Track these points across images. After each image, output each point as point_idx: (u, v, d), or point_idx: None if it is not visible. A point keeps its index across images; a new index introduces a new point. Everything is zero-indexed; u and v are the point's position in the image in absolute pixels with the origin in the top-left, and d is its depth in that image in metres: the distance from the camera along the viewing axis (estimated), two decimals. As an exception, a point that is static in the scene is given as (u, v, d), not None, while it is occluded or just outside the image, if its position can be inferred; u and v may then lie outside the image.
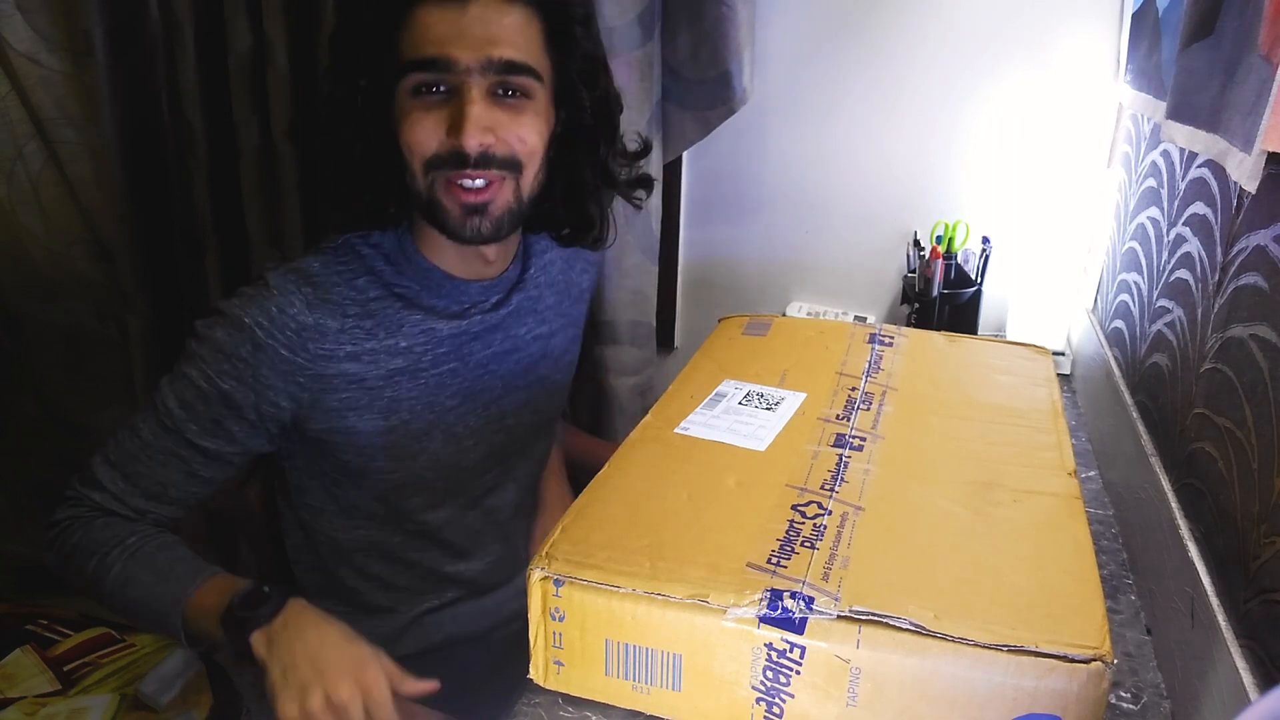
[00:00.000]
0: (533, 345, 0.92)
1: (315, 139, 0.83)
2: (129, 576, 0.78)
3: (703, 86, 1.27)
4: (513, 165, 0.78)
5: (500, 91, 0.76)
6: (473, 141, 0.74)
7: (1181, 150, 0.87)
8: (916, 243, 1.29)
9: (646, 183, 0.96)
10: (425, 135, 0.75)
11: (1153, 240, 0.94)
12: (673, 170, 1.41)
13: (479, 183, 0.77)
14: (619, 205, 0.95)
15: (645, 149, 0.94)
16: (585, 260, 1.01)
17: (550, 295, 0.94)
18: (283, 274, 0.79)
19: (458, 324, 0.86)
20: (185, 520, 0.85)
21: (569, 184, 0.86)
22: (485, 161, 0.75)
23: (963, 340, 0.94)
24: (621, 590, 0.54)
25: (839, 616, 0.51)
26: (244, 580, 0.77)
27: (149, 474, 0.80)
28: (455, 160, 0.75)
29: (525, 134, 0.77)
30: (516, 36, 0.75)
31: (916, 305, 1.24)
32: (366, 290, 0.82)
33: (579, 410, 1.42)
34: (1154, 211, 0.95)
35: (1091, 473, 0.96)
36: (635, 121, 1.21)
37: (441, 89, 0.75)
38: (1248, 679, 0.52)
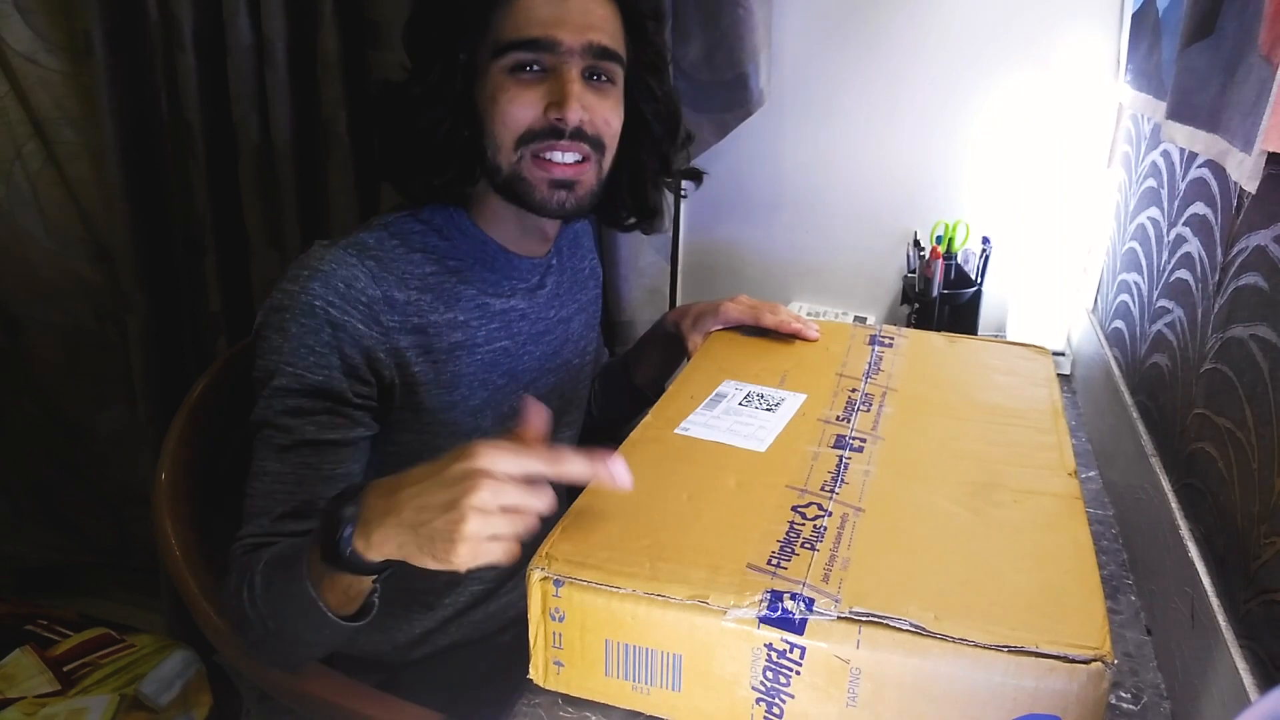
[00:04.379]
0: (558, 328, 0.95)
1: (394, 117, 0.83)
2: (268, 579, 0.71)
3: (718, 90, 1.26)
4: (599, 146, 0.82)
5: (590, 75, 0.80)
6: (574, 115, 0.78)
7: (1181, 150, 0.87)
8: (916, 243, 1.29)
9: (695, 175, 1.00)
10: (522, 110, 0.78)
11: (1153, 240, 0.94)
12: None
13: (570, 157, 0.80)
14: None
15: (689, 138, 0.98)
16: (583, 247, 1.04)
17: (565, 279, 0.98)
18: (341, 250, 0.78)
19: (507, 301, 0.89)
20: None
21: (634, 173, 0.90)
22: (579, 135, 0.79)
23: (963, 341, 0.94)
24: (621, 591, 0.54)
25: (839, 618, 0.51)
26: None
27: (291, 498, 0.76)
28: (550, 133, 0.79)
29: (610, 117, 0.83)
30: (608, 25, 0.81)
31: (916, 305, 1.24)
32: (423, 265, 0.83)
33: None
34: (1154, 211, 0.95)
35: (1091, 473, 0.96)
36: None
37: (537, 68, 0.78)
38: (1248, 679, 0.52)
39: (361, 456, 0.81)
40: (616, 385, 1.10)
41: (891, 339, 0.92)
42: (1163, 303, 0.87)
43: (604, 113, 0.81)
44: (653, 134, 0.89)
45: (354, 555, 0.62)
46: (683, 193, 0.99)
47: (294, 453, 0.76)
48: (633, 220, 0.95)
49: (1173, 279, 0.85)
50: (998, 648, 0.48)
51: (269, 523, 0.76)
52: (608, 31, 0.80)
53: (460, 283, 0.85)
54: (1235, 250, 0.69)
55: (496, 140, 0.80)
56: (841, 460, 0.68)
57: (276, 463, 0.76)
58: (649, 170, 0.91)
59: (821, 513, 0.61)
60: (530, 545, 0.58)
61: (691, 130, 1.00)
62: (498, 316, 0.88)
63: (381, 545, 0.61)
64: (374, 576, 0.66)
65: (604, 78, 0.81)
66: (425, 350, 0.82)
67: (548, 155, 0.80)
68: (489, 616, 0.96)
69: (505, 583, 0.96)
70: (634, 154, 0.89)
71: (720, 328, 0.96)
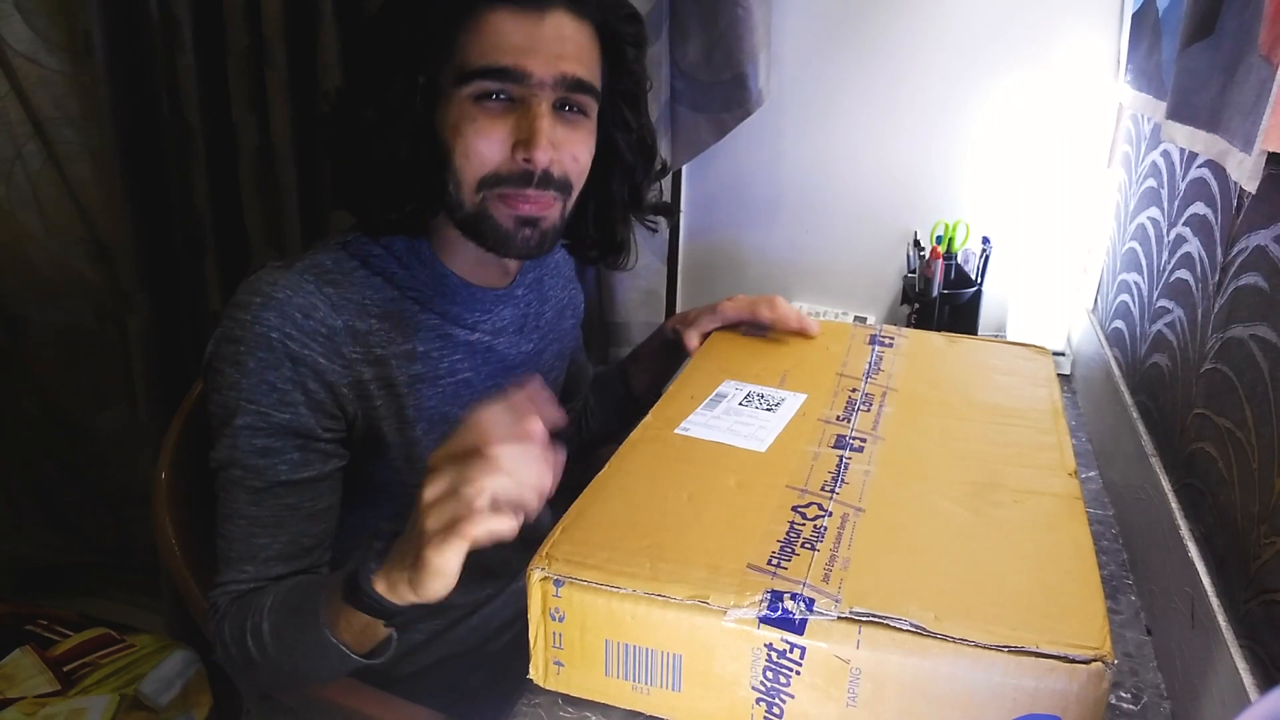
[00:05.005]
0: (528, 362, 0.91)
1: (348, 141, 0.77)
2: (278, 626, 0.69)
3: (717, 89, 1.25)
4: (566, 187, 0.77)
5: (561, 107, 0.75)
6: (543, 156, 0.73)
7: (1181, 150, 0.87)
8: (916, 243, 1.29)
9: (666, 210, 0.95)
10: (488, 146, 0.73)
11: (1153, 240, 0.94)
12: (673, 171, 1.41)
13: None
14: None
15: (664, 170, 0.93)
16: (563, 277, 1.01)
17: (547, 310, 0.95)
18: (297, 274, 0.73)
19: (470, 334, 0.84)
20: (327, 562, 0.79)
21: (601, 204, 0.86)
22: (545, 182, 0.74)
23: (963, 341, 0.94)
24: (622, 591, 0.54)
25: (839, 618, 0.51)
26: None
27: (274, 541, 0.73)
28: (519, 179, 0.74)
29: (579, 153, 0.77)
30: (584, 54, 0.75)
31: (916, 305, 1.24)
32: (384, 290, 0.78)
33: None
34: (1154, 211, 0.95)
35: (1091, 473, 0.96)
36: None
37: (504, 96, 0.73)
38: (1248, 679, 0.52)
39: (339, 487, 0.78)
40: (614, 396, 1.07)
41: (891, 339, 0.92)
42: (1163, 303, 0.87)
43: (572, 148, 0.76)
44: (624, 164, 0.84)
45: (375, 595, 0.61)
46: (653, 226, 0.95)
47: (269, 494, 0.73)
48: (595, 253, 0.90)
49: (1173, 279, 0.85)
50: (998, 648, 0.48)
51: (254, 568, 0.73)
52: (583, 61, 0.75)
53: (422, 311, 0.80)
54: (1235, 250, 0.69)
55: (459, 175, 0.74)
56: (841, 460, 0.68)
57: (252, 506, 0.73)
58: (618, 202, 0.87)
59: (822, 513, 0.61)
60: (498, 557, 0.57)
61: (665, 159, 0.96)
62: (461, 348, 0.83)
63: (409, 591, 0.60)
64: (388, 621, 0.65)
65: (575, 109, 0.76)
66: (386, 383, 0.78)
67: (515, 196, 0.75)
68: (472, 630, 0.93)
69: (481, 608, 0.93)
70: (604, 184, 0.84)
71: (719, 327, 0.96)
